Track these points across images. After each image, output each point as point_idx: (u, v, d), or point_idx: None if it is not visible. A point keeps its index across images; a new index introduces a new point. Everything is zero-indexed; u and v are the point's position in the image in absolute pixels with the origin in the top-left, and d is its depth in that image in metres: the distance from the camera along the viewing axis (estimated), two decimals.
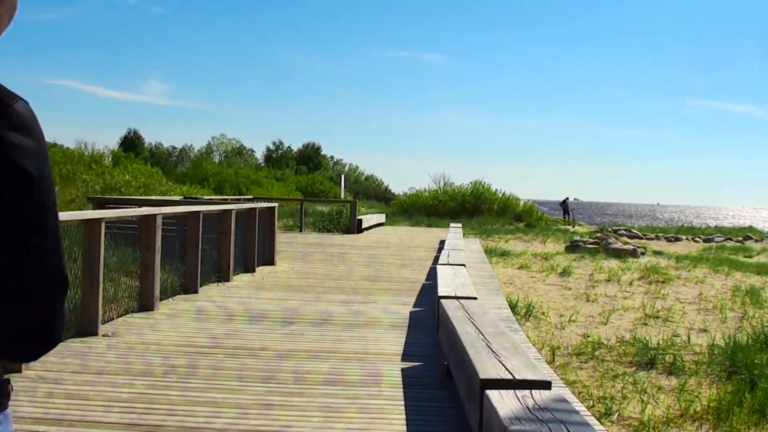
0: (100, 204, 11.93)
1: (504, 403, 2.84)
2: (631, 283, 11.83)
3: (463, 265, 8.40)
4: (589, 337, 7.95)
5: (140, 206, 9.36)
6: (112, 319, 6.63)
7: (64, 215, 6.34)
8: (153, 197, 17.41)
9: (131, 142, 61.90)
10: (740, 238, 29.68)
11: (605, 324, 8.72)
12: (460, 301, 5.56)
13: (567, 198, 42.41)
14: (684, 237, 29.76)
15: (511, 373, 3.29)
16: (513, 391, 2.99)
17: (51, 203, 1.14)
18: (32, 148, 1.11)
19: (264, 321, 7.00)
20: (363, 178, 65.57)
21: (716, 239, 28.94)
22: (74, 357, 5.18)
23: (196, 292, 8.32)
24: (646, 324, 8.74)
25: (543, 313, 9.17)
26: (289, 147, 69.14)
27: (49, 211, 1.13)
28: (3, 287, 1.08)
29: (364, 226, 21.62)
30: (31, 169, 1.10)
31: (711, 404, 5.49)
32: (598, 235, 24.74)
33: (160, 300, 7.43)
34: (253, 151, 67.29)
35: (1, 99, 1.11)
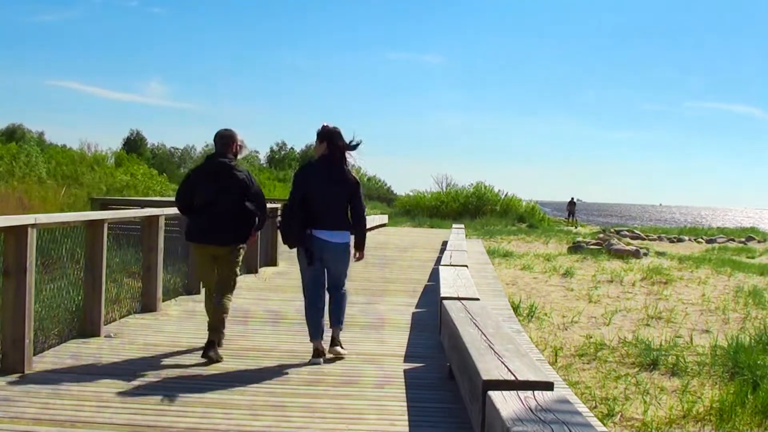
0: (103, 205, 11.94)
1: (506, 404, 2.83)
2: (633, 284, 11.81)
3: (466, 266, 8.39)
4: (591, 338, 7.94)
5: (142, 207, 9.35)
6: (115, 320, 6.64)
7: (66, 216, 6.36)
8: (155, 198, 17.42)
9: (134, 143, 61.99)
10: (743, 239, 29.66)
11: (608, 325, 8.71)
12: (463, 302, 5.55)
13: (573, 198, 42.27)
14: (686, 238, 29.73)
15: (514, 374, 3.28)
16: (515, 392, 2.98)
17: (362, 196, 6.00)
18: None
19: (267, 322, 7.00)
20: (365, 179, 65.53)
21: (719, 240, 28.91)
22: (76, 358, 5.19)
23: (198, 293, 8.32)
24: (648, 325, 8.72)
25: (545, 314, 9.16)
26: (291, 148, 69.15)
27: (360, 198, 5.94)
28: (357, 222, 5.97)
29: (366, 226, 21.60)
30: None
31: (714, 405, 5.48)
32: (601, 236, 24.75)
33: (163, 301, 7.43)
34: (256, 152, 67.31)
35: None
